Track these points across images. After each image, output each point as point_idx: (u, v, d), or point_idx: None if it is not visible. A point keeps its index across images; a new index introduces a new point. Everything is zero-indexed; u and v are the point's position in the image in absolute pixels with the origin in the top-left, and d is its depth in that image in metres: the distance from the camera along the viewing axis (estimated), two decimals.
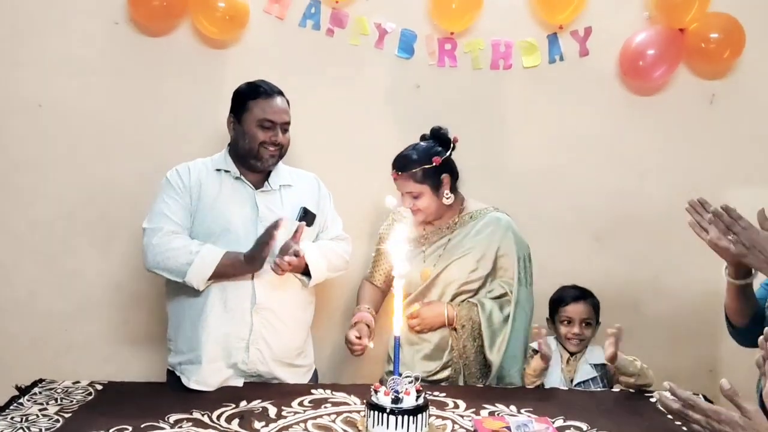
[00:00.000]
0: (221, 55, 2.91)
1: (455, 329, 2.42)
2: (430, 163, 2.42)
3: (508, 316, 2.40)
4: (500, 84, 2.99)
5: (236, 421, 1.99)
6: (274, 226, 2.20)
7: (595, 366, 2.60)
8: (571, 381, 2.57)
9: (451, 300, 2.45)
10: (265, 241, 2.21)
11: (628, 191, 3.06)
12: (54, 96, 2.87)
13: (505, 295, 2.44)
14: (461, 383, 2.42)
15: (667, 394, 1.46)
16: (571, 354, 2.63)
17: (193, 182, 2.36)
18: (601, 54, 2.99)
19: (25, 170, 2.88)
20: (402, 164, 2.44)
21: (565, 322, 2.64)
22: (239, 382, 2.31)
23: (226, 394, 2.19)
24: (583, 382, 2.55)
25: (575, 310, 2.64)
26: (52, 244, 2.89)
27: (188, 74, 2.90)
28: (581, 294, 2.69)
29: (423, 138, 2.51)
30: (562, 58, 2.99)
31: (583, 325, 2.63)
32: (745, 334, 2.08)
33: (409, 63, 2.97)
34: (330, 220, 2.51)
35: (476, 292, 2.47)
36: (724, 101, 3.02)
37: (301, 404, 2.12)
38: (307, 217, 2.34)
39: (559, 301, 2.69)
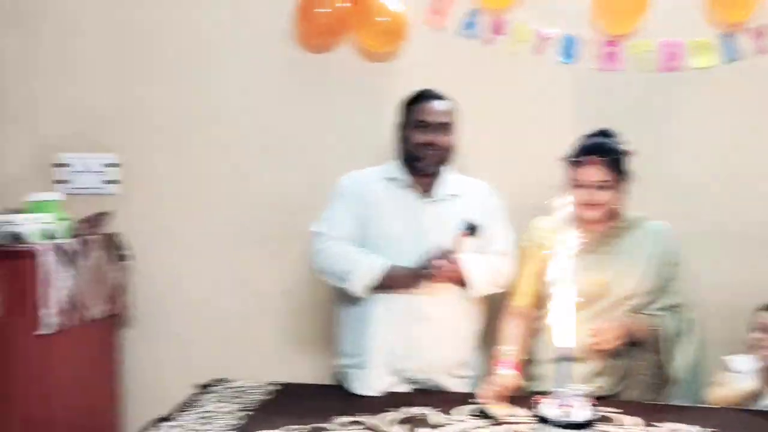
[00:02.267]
0: (382, 68, 2.97)
1: (634, 344, 2.32)
2: (625, 154, 2.36)
3: (684, 328, 2.30)
4: (669, 87, 2.85)
5: (400, 425, 2.01)
6: (444, 253, 2.24)
7: None
8: None
9: (628, 313, 2.35)
10: (432, 266, 2.25)
11: None
12: (226, 112, 3.04)
13: (673, 306, 2.34)
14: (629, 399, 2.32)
15: None
16: None
17: (362, 190, 2.44)
18: None
19: (200, 183, 3.07)
20: (601, 149, 2.34)
21: None
22: (404, 389, 2.34)
23: (391, 400, 2.23)
24: None
25: None
26: (226, 252, 3.05)
27: (351, 88, 2.99)
28: None
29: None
30: (738, 58, 2.80)
31: None
32: None
33: (572, 68, 2.89)
34: (498, 233, 2.47)
35: (647, 304, 2.36)
36: None
37: (465, 413, 2.11)
38: (471, 229, 2.33)
39: None
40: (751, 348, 2.34)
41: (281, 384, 2.40)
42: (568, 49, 2.89)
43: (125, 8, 3.05)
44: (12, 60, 3.09)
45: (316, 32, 2.92)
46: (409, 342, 2.33)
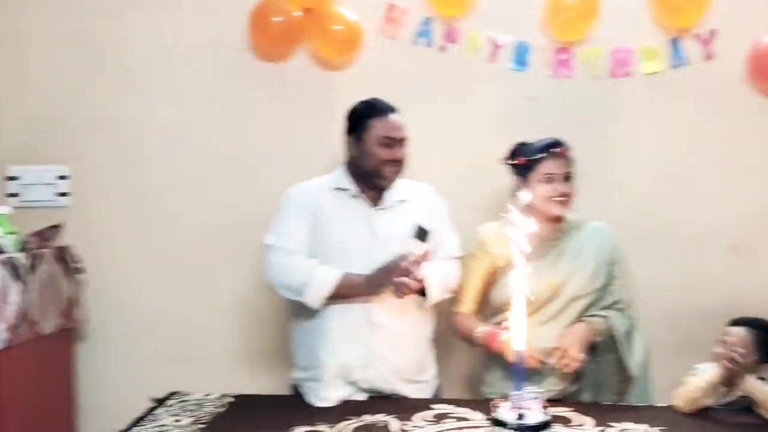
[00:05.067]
0: (336, 77, 2.98)
1: (590, 347, 2.36)
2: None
3: (631, 326, 2.41)
4: (620, 92, 2.92)
5: None
6: (403, 258, 2.23)
7: None
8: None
9: (579, 316, 2.40)
10: (390, 268, 2.25)
11: (759, 201, 2.90)
12: (179, 122, 3.02)
13: (615, 303, 2.42)
14: (587, 399, 2.37)
15: None
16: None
17: (312, 201, 2.41)
18: (727, 57, 2.85)
19: (152, 193, 3.04)
20: (562, 143, 2.41)
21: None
22: (362, 397, 2.34)
23: (349, 409, 2.22)
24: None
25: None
26: (180, 263, 3.03)
27: (304, 97, 2.99)
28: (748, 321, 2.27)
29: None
30: (685, 63, 2.88)
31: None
32: None
33: (524, 75, 2.94)
34: (445, 236, 2.46)
35: (594, 304, 2.42)
36: None
37: (423, 419, 2.11)
38: (422, 234, 2.33)
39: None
40: (714, 360, 2.33)
41: (236, 396, 2.37)
42: (521, 56, 2.93)
43: (74, 21, 3.02)
44: None
45: (270, 41, 2.91)
46: (364, 352, 2.33)
